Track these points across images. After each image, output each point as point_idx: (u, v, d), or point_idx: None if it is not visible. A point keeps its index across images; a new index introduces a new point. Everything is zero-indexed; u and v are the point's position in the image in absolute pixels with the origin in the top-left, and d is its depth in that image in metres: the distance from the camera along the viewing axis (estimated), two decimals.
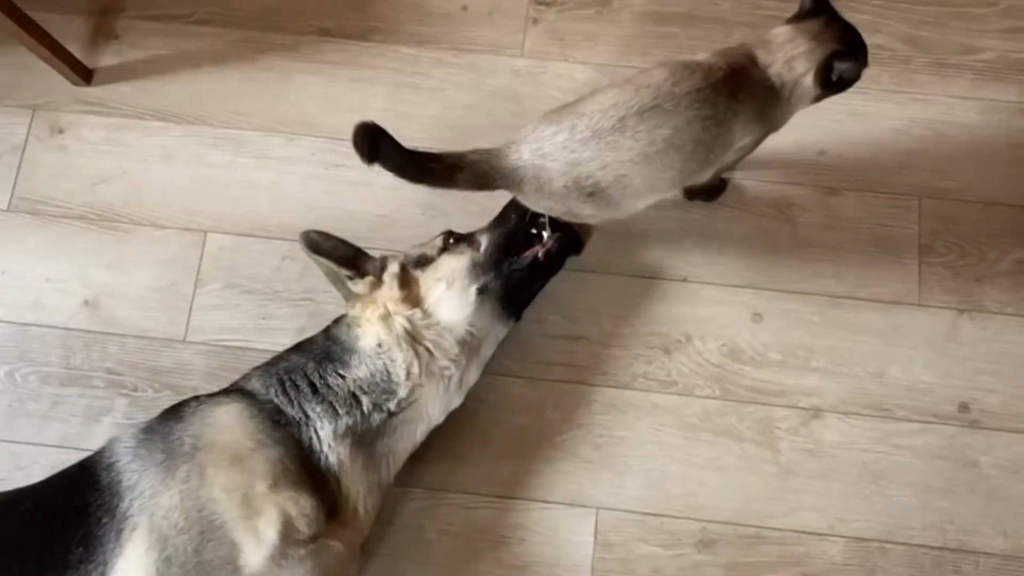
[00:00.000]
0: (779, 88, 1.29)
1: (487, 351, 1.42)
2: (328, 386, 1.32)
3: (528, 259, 1.42)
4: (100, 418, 1.51)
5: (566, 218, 1.36)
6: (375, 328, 1.34)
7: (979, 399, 1.50)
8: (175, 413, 1.30)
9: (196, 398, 1.33)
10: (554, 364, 1.53)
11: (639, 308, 1.56)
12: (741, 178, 1.61)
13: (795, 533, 1.44)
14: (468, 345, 1.36)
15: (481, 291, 1.37)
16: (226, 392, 1.35)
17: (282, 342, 1.51)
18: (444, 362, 1.35)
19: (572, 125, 1.23)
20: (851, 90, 1.60)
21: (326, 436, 1.29)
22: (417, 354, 1.33)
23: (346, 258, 1.39)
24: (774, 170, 1.62)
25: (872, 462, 1.47)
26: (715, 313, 1.55)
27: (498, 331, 1.42)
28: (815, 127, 1.63)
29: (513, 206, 1.45)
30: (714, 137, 1.27)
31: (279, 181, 1.63)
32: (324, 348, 1.36)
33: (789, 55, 1.28)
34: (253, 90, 1.69)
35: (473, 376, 1.40)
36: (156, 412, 1.45)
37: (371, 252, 1.52)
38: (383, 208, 1.62)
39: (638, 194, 1.29)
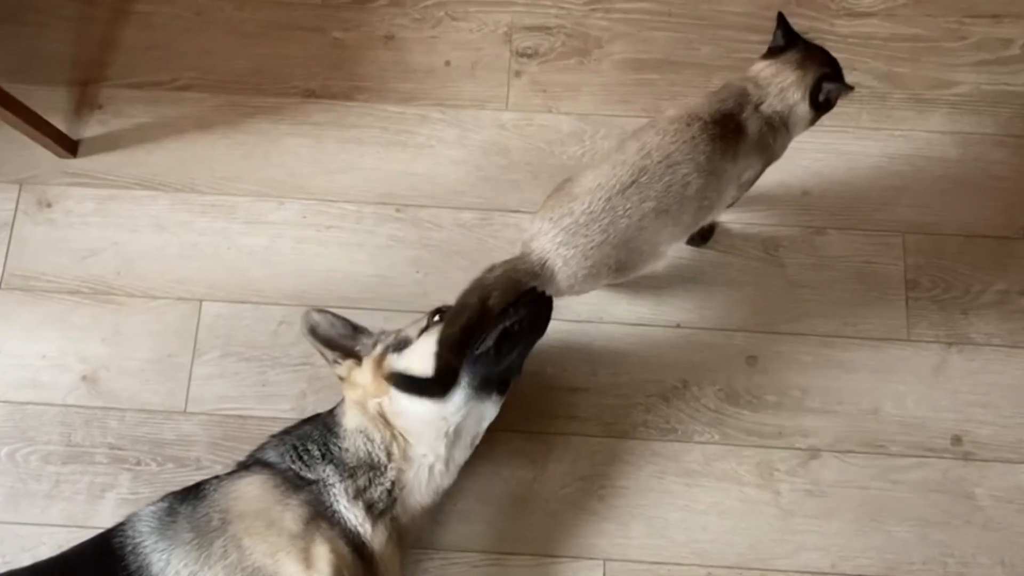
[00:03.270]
0: (774, 119, 1.34)
1: (470, 433, 1.38)
2: (331, 454, 1.34)
3: (492, 339, 1.28)
4: (104, 495, 1.51)
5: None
6: (354, 410, 1.35)
7: (971, 431, 1.53)
8: (196, 493, 1.30)
9: (217, 477, 1.34)
10: (554, 417, 1.54)
11: (635, 356, 1.57)
12: (728, 222, 1.63)
13: (799, 574, 1.47)
14: (443, 431, 1.34)
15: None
16: (244, 466, 1.36)
17: (283, 408, 1.54)
18: (421, 449, 1.34)
19: (570, 210, 1.29)
20: (832, 129, 1.67)
21: (343, 499, 1.31)
22: (394, 437, 1.33)
23: (342, 338, 1.39)
24: (759, 212, 1.64)
25: (870, 499, 1.50)
26: (710, 358, 1.57)
27: (480, 411, 1.37)
28: (798, 167, 1.66)
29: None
30: (703, 188, 1.32)
31: (271, 245, 1.64)
32: (325, 420, 1.38)
33: (780, 87, 1.34)
34: (240, 154, 1.69)
35: (461, 456, 1.39)
36: (160, 486, 1.49)
37: (370, 313, 1.56)
38: (377, 267, 1.62)
39: (653, 254, 1.36)
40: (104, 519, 1.45)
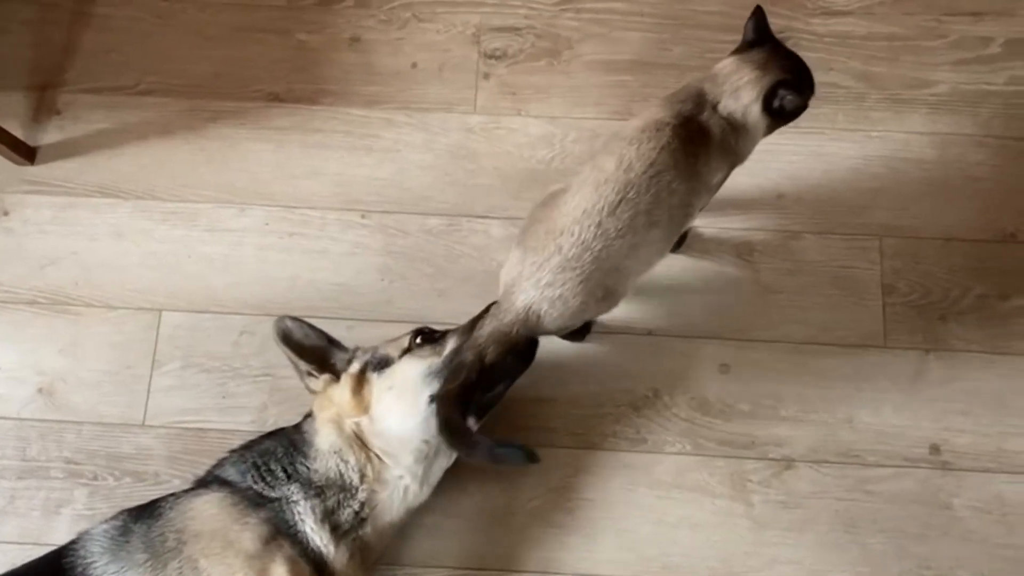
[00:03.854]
0: (732, 119, 1.29)
1: (447, 455, 1.36)
2: (297, 472, 1.30)
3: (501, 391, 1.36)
4: (60, 510, 1.47)
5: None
6: (328, 428, 1.31)
7: (949, 440, 1.49)
8: (151, 511, 1.27)
9: (173, 494, 1.30)
10: (522, 428, 1.50)
11: (606, 365, 1.54)
12: (701, 226, 1.59)
13: None
14: (422, 454, 1.32)
15: (432, 400, 1.31)
16: (202, 483, 1.32)
17: (244, 420, 1.51)
18: (397, 471, 1.31)
19: (558, 247, 1.23)
20: (807, 130, 1.63)
21: (308, 519, 1.27)
22: (369, 459, 1.30)
23: (315, 349, 1.35)
24: (733, 216, 1.61)
25: (845, 510, 1.46)
26: (682, 366, 1.54)
27: None
28: (772, 170, 1.62)
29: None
30: (686, 193, 1.28)
31: (232, 253, 1.60)
32: (291, 437, 1.34)
33: (735, 85, 1.29)
34: (202, 160, 1.65)
35: (436, 478, 1.36)
36: (117, 501, 1.45)
37: (333, 322, 1.50)
38: (341, 276, 1.59)
39: (640, 272, 1.33)
40: (60, 535, 1.41)
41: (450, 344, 1.34)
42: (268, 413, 1.51)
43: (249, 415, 1.51)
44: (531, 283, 1.26)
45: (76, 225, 1.62)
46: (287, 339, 1.34)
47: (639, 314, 1.56)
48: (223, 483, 1.30)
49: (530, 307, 1.26)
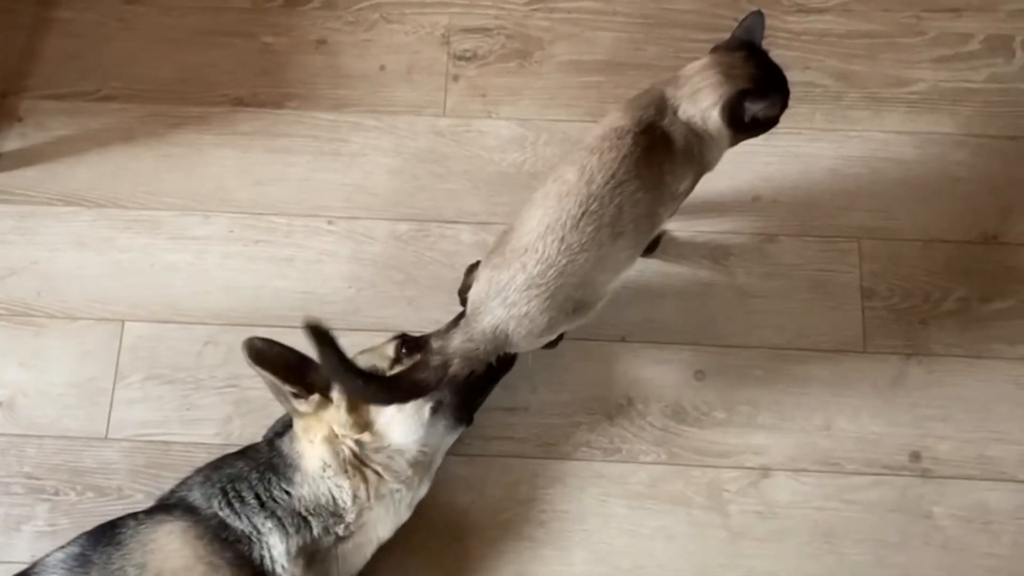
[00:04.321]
0: (694, 125, 1.23)
1: (437, 462, 1.35)
2: (275, 500, 1.24)
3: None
4: (20, 527, 1.43)
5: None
6: (319, 450, 1.26)
7: (930, 447, 1.46)
8: (112, 536, 1.22)
9: (134, 516, 1.26)
10: (493, 438, 1.47)
11: (578, 373, 1.50)
12: (675, 230, 1.56)
13: None
14: (420, 464, 1.29)
15: (435, 409, 1.28)
16: (166, 508, 1.27)
17: (208, 433, 1.47)
18: (395, 484, 1.27)
19: (523, 265, 1.19)
20: (784, 131, 1.57)
21: (279, 555, 1.22)
22: (365, 478, 1.26)
23: (291, 368, 1.26)
24: (708, 219, 1.57)
25: (824, 520, 1.43)
26: (656, 373, 1.50)
27: (449, 441, 1.35)
28: (748, 172, 1.59)
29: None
30: (652, 202, 1.24)
31: (197, 262, 1.57)
32: (268, 459, 1.28)
33: (695, 87, 1.23)
34: (166, 167, 1.62)
35: (424, 491, 1.33)
36: (79, 516, 1.42)
37: (300, 333, 1.44)
38: (307, 284, 1.55)
39: (610, 282, 1.29)
40: (21, 552, 1.39)
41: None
42: (233, 425, 1.47)
43: (214, 427, 1.47)
44: (497, 302, 1.22)
45: (37, 234, 1.58)
46: (261, 359, 1.24)
47: (612, 320, 1.52)
48: (188, 509, 1.25)
49: (497, 327, 1.22)
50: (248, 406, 1.48)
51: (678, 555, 1.42)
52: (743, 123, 1.22)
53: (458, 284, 1.47)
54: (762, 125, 1.25)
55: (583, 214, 1.19)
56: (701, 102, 1.22)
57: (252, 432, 1.45)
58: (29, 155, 1.63)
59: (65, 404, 1.50)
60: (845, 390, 1.49)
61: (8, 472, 1.46)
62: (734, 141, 1.27)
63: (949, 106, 1.64)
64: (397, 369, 1.30)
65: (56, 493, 1.45)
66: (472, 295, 1.26)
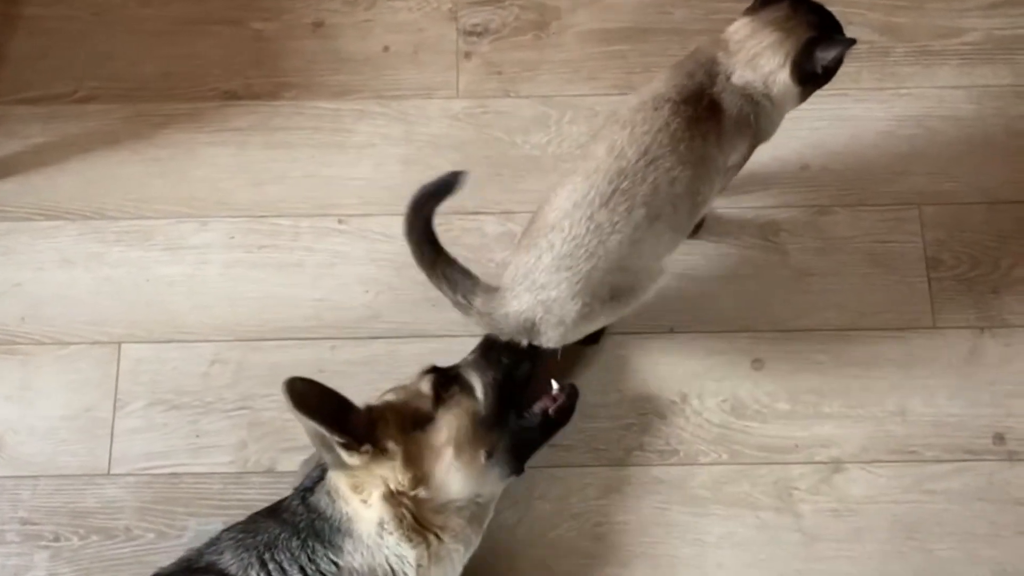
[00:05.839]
0: (752, 92, 1.14)
1: (490, 516, 1.22)
2: (321, 573, 1.10)
3: (539, 416, 1.24)
4: None
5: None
6: (374, 512, 1.11)
7: (1014, 427, 1.36)
8: None
9: None
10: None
11: (625, 370, 1.40)
12: (719, 207, 1.45)
13: None
14: (476, 518, 1.17)
15: (490, 455, 1.16)
16: (194, 571, 1.13)
17: (222, 461, 1.36)
18: (453, 544, 1.15)
19: (549, 243, 1.11)
20: (829, 93, 1.46)
21: None
22: (427, 541, 1.12)
23: (332, 414, 1.10)
24: (754, 194, 1.47)
25: (905, 514, 1.33)
26: (710, 365, 1.40)
27: (499, 492, 1.23)
28: (793, 139, 1.48)
29: (494, 339, 1.25)
30: (692, 180, 1.14)
31: (196, 273, 1.46)
32: (308, 522, 1.13)
33: (752, 52, 1.14)
34: (155, 172, 1.52)
35: (476, 545, 1.20)
36: (85, 563, 1.32)
37: (314, 344, 1.39)
38: (320, 290, 1.44)
39: (650, 268, 1.19)
40: None
41: (478, 386, 1.20)
42: (248, 451, 1.36)
43: (227, 455, 1.36)
44: (524, 287, 1.13)
45: (17, 253, 1.47)
46: (304, 405, 1.06)
47: (657, 310, 1.40)
48: (220, 574, 1.11)
49: (522, 313, 1.13)
50: (263, 429, 1.37)
51: (749, 563, 1.31)
52: (814, 76, 1.14)
53: (486, 280, 1.35)
54: (832, 71, 1.17)
55: (613, 192, 1.10)
56: (764, 66, 1.14)
57: (270, 458, 1.36)
58: (3, 166, 1.52)
59: (60, 439, 1.38)
60: (917, 370, 1.39)
61: (1, 519, 1.34)
62: (801, 100, 1.18)
63: (1005, 55, 1.54)
64: (443, 413, 1.16)
65: (56, 539, 1.33)
66: (504, 278, 1.17)
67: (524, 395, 1.25)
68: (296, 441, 1.27)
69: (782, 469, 1.35)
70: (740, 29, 1.17)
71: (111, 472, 1.37)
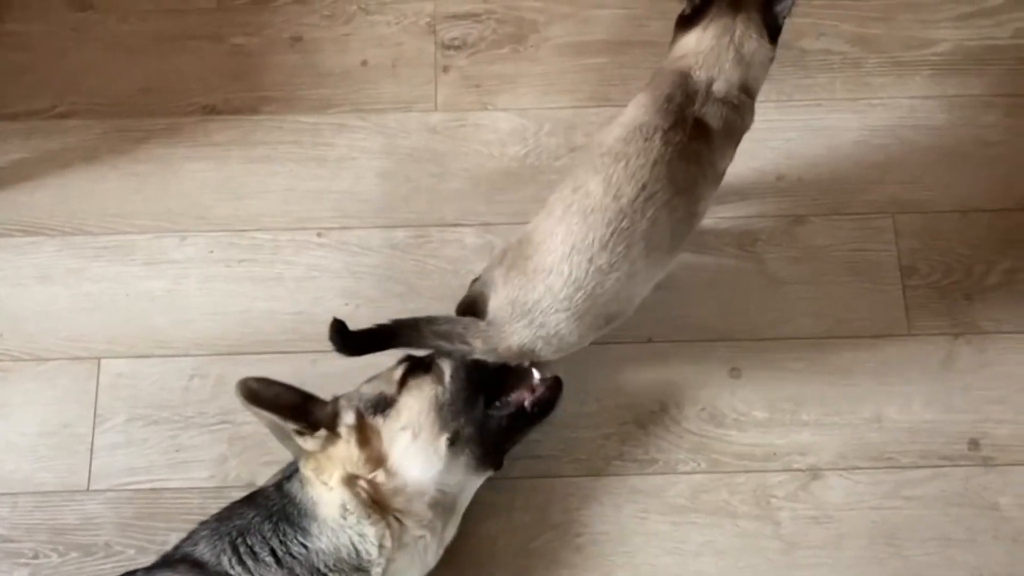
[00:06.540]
0: (732, 95, 1.16)
1: (463, 505, 1.23)
2: (292, 555, 1.13)
3: (512, 407, 1.23)
4: None
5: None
6: (335, 495, 1.13)
7: (989, 432, 1.37)
8: None
9: (133, 573, 1.15)
10: (516, 458, 1.33)
11: (603, 380, 1.40)
12: None
13: None
14: (441, 506, 1.17)
15: (452, 441, 1.16)
16: (169, 564, 1.15)
17: (202, 476, 1.35)
18: (417, 531, 1.16)
19: (548, 287, 1.13)
20: (803, 104, 1.52)
21: None
22: (388, 524, 1.14)
23: (292, 407, 1.16)
24: (731, 204, 1.47)
25: (883, 520, 1.33)
26: (688, 374, 1.40)
27: (475, 483, 1.23)
28: (769, 150, 1.50)
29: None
30: (690, 202, 1.17)
31: (176, 288, 1.45)
32: (280, 507, 1.16)
33: (736, 49, 1.17)
34: (134, 187, 1.51)
35: (451, 534, 1.22)
36: None
37: (294, 357, 1.39)
38: (299, 304, 1.44)
39: (644, 293, 1.23)
40: None
41: (447, 370, 1.20)
42: (229, 466, 1.35)
43: (207, 470, 1.35)
44: (523, 324, 1.14)
45: None
46: (257, 400, 1.14)
47: (635, 319, 1.35)
48: (194, 564, 1.13)
49: (523, 345, 1.15)
50: (243, 443, 1.36)
51: (729, 571, 1.32)
52: (779, 30, 1.18)
53: (465, 292, 1.36)
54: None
55: (612, 233, 1.11)
56: (746, 53, 1.16)
57: (250, 472, 1.35)
58: None
59: (39, 456, 1.37)
60: (893, 377, 1.40)
61: None
62: (770, 65, 1.21)
63: (976, 66, 1.56)
64: (406, 397, 1.19)
65: (36, 556, 1.32)
66: (494, 311, 1.17)
67: (503, 384, 1.23)
68: (276, 455, 1.26)
69: (760, 477, 1.35)
70: (700, 42, 1.18)
71: (91, 488, 1.35)
